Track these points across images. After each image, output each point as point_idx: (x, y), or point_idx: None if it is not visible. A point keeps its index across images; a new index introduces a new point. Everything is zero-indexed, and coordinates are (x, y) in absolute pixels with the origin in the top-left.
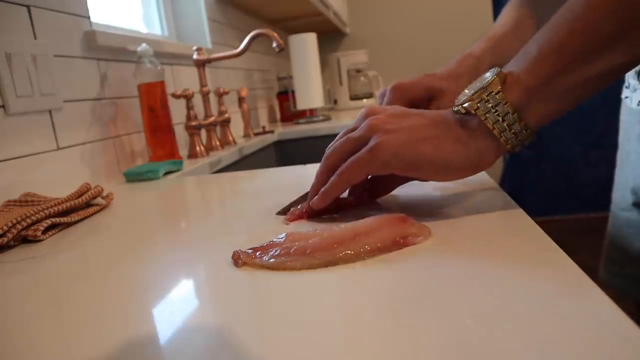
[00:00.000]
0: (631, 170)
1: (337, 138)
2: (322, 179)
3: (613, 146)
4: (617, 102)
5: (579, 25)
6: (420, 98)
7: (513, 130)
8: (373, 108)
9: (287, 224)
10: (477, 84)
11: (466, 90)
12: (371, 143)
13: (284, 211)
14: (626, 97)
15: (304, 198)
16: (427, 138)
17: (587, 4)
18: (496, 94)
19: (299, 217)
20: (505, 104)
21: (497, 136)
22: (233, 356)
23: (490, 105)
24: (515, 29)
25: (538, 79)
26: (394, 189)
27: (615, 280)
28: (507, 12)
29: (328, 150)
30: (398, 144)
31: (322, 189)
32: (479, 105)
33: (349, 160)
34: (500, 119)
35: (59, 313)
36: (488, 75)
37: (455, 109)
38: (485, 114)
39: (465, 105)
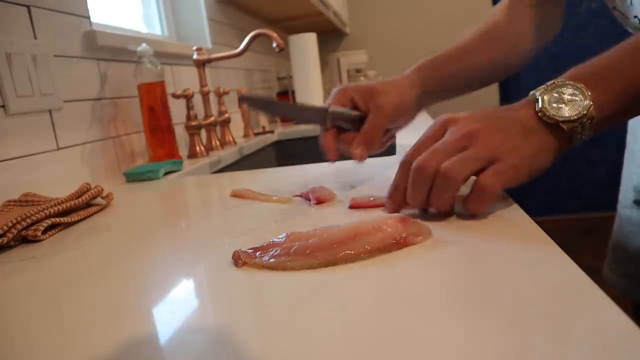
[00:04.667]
0: (636, 168)
1: (432, 150)
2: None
3: (613, 147)
4: None
5: None
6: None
7: (584, 139)
8: (455, 118)
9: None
10: (576, 105)
11: (558, 105)
12: (506, 162)
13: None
14: None
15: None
16: (537, 153)
17: None
18: (589, 121)
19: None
20: (591, 129)
21: (572, 143)
22: (233, 356)
23: (581, 131)
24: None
25: (616, 112)
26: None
27: (617, 279)
28: (465, 35)
29: (422, 157)
30: (526, 164)
31: (437, 203)
32: (574, 128)
33: (494, 171)
34: (583, 136)
35: (59, 313)
36: (586, 102)
37: (547, 119)
38: (575, 134)
39: (563, 125)
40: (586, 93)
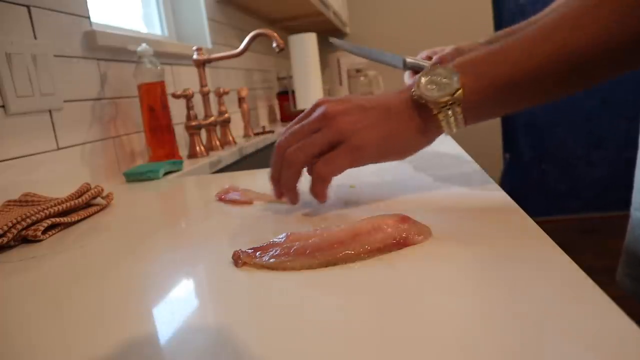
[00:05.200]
0: None
1: (290, 132)
2: (281, 173)
3: (612, 147)
4: (618, 103)
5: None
6: None
7: (455, 127)
8: (326, 102)
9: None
10: (446, 88)
11: (431, 87)
12: (348, 144)
13: None
14: None
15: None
16: (394, 134)
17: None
18: (457, 105)
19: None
20: (461, 116)
21: (441, 129)
22: (233, 356)
23: (451, 116)
24: None
25: (489, 100)
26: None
27: (629, 282)
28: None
29: (289, 149)
30: (374, 144)
31: (311, 191)
32: (441, 110)
33: (325, 159)
34: (452, 122)
35: (59, 313)
36: (456, 86)
37: (418, 99)
38: (443, 118)
39: (431, 106)
40: (456, 78)
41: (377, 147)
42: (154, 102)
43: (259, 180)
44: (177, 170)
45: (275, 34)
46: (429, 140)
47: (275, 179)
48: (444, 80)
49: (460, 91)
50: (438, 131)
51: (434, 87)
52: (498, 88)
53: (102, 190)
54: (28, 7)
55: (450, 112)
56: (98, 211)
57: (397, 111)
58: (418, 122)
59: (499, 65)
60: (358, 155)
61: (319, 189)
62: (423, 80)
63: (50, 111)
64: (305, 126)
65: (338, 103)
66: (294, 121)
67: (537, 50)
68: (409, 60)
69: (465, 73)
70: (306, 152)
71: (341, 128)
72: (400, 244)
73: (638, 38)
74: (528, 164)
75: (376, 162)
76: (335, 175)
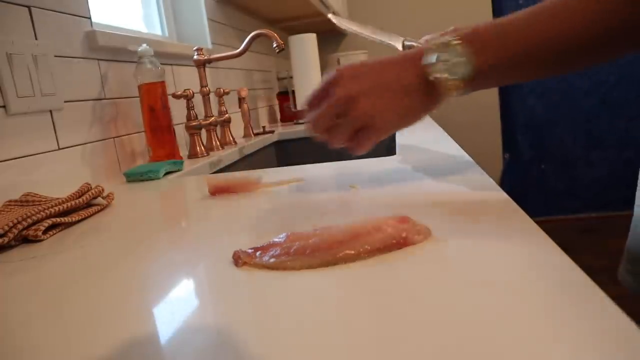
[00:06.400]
0: None
1: (317, 114)
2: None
3: (612, 147)
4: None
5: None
6: None
7: (457, 94)
8: (343, 78)
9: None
10: (458, 67)
11: (443, 66)
12: (373, 127)
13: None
14: None
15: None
16: (411, 112)
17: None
18: (463, 80)
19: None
20: (465, 89)
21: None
22: (233, 356)
23: (457, 91)
24: None
25: (498, 74)
26: None
27: (632, 280)
28: None
29: (313, 117)
30: (394, 124)
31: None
32: (450, 87)
33: (357, 143)
34: (457, 94)
35: (59, 313)
36: (468, 67)
37: (432, 79)
38: (453, 94)
39: (441, 84)
40: (468, 59)
41: (397, 125)
42: (154, 102)
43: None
44: (178, 170)
45: (275, 34)
46: (437, 107)
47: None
48: (455, 59)
49: (472, 72)
50: (444, 101)
51: (445, 66)
52: (506, 67)
53: (103, 190)
54: (29, 7)
55: (455, 87)
56: (98, 211)
57: (412, 89)
58: (425, 100)
59: (508, 44)
60: (382, 133)
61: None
62: (434, 59)
63: (50, 111)
64: (330, 108)
65: (355, 80)
66: (315, 94)
67: (545, 27)
68: (407, 43)
69: (477, 52)
70: (338, 138)
71: (364, 113)
72: (400, 244)
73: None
74: (528, 163)
75: (385, 137)
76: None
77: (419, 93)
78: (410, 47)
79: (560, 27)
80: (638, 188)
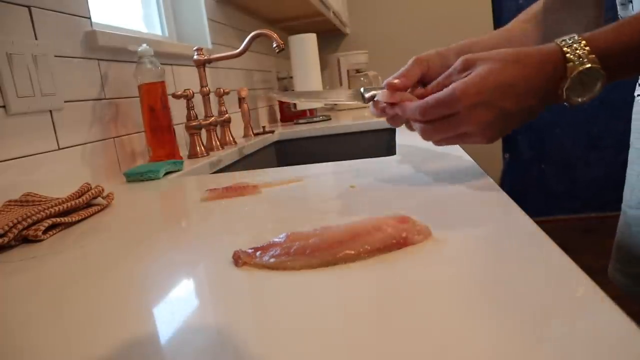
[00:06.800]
0: None
1: (434, 127)
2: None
3: (611, 148)
4: (615, 105)
5: None
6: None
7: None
8: (472, 107)
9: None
10: (589, 88)
11: (580, 89)
12: (483, 139)
13: (370, 98)
14: (638, 95)
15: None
16: (531, 114)
17: None
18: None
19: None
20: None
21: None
22: (233, 356)
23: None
24: (517, 35)
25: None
26: None
27: (622, 278)
28: (512, 24)
29: (425, 120)
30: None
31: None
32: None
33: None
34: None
35: (59, 313)
36: (600, 84)
37: (569, 102)
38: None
39: (572, 103)
40: (601, 80)
41: (510, 131)
42: (154, 102)
43: (259, 180)
44: (178, 170)
45: (275, 34)
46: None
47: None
48: (592, 85)
49: (601, 88)
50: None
51: (581, 88)
52: (626, 75)
53: (103, 190)
54: (29, 7)
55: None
56: (98, 211)
57: (537, 110)
58: (552, 98)
59: (630, 59)
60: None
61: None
62: (574, 78)
63: (50, 111)
64: (450, 129)
65: (485, 110)
66: (431, 104)
67: None
68: (367, 94)
69: (608, 69)
70: (446, 139)
71: (486, 138)
72: (400, 244)
73: None
74: (528, 164)
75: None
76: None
77: (541, 107)
78: (370, 97)
79: None
80: (625, 188)
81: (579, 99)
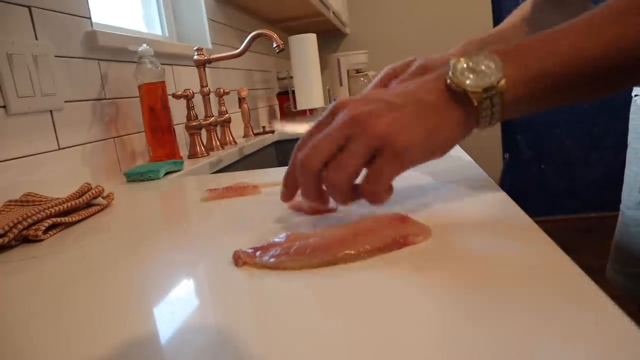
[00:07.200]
0: (639, 168)
1: (313, 144)
2: (305, 183)
3: (611, 148)
4: (615, 105)
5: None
6: None
7: (492, 121)
8: (347, 103)
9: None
10: (487, 76)
11: (469, 74)
12: (392, 148)
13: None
14: (636, 95)
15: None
16: (436, 129)
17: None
18: (499, 96)
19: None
20: (500, 109)
21: (478, 123)
22: (233, 356)
23: (490, 108)
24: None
25: (530, 95)
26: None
27: (620, 278)
28: (508, 19)
29: (304, 153)
30: (419, 143)
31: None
32: (482, 100)
33: (372, 177)
34: (489, 115)
35: (59, 313)
36: (499, 74)
37: (456, 87)
38: (483, 109)
39: (471, 96)
40: (500, 65)
41: (423, 146)
42: (154, 102)
43: (260, 180)
44: (178, 170)
45: (275, 34)
46: (468, 132)
47: (301, 192)
48: (484, 67)
49: (503, 81)
50: (475, 124)
51: (472, 75)
52: (544, 82)
53: (103, 190)
54: (29, 7)
55: (490, 103)
56: (99, 211)
57: (434, 104)
58: (458, 113)
59: (547, 58)
60: (405, 158)
61: (378, 203)
62: (459, 66)
63: (51, 111)
64: (331, 135)
65: (362, 103)
66: (310, 130)
67: (588, 44)
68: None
69: (509, 61)
70: (347, 171)
71: (378, 132)
72: (400, 244)
73: None
74: (527, 163)
75: (422, 163)
76: (388, 183)
77: (442, 107)
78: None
79: (595, 40)
80: (624, 189)
81: (470, 82)
